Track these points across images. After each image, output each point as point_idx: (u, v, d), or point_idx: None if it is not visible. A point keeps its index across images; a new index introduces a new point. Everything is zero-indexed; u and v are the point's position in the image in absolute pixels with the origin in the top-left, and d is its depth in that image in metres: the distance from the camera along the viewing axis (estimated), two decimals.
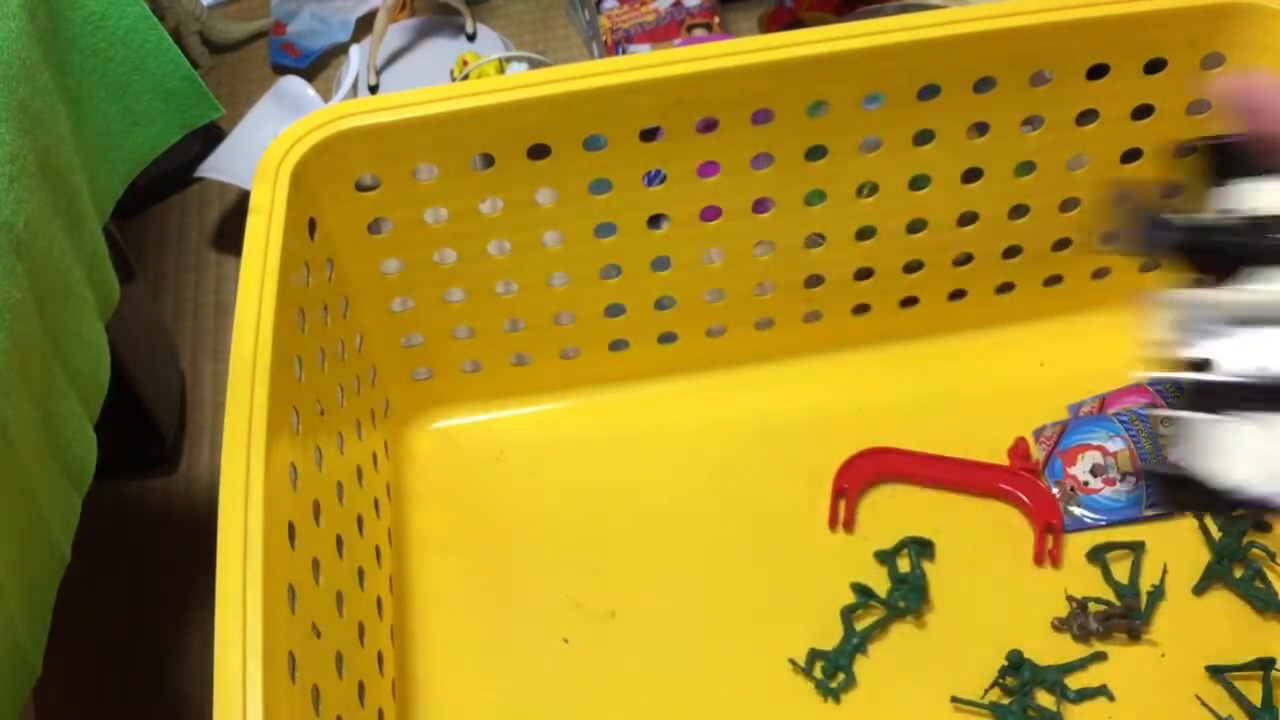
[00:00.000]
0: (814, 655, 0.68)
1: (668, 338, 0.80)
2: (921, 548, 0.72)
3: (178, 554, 0.83)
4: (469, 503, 0.76)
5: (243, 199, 1.05)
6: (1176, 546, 0.72)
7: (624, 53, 1.08)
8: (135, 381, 0.80)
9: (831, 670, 0.67)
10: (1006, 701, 0.66)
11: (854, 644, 0.68)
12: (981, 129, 0.71)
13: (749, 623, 0.70)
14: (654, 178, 0.71)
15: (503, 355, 0.78)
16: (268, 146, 0.63)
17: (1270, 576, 0.70)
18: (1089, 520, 0.73)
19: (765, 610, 0.70)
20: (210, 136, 1.05)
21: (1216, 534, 0.72)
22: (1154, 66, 0.69)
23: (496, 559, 0.73)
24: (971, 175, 0.74)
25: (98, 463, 0.60)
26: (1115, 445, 0.75)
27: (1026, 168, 0.74)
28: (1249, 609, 0.70)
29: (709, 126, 0.68)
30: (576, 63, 0.68)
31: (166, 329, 0.94)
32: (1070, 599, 0.69)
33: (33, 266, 0.52)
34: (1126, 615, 0.68)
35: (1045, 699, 0.66)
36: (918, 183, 0.73)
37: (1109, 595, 0.70)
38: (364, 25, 1.20)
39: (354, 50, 1.10)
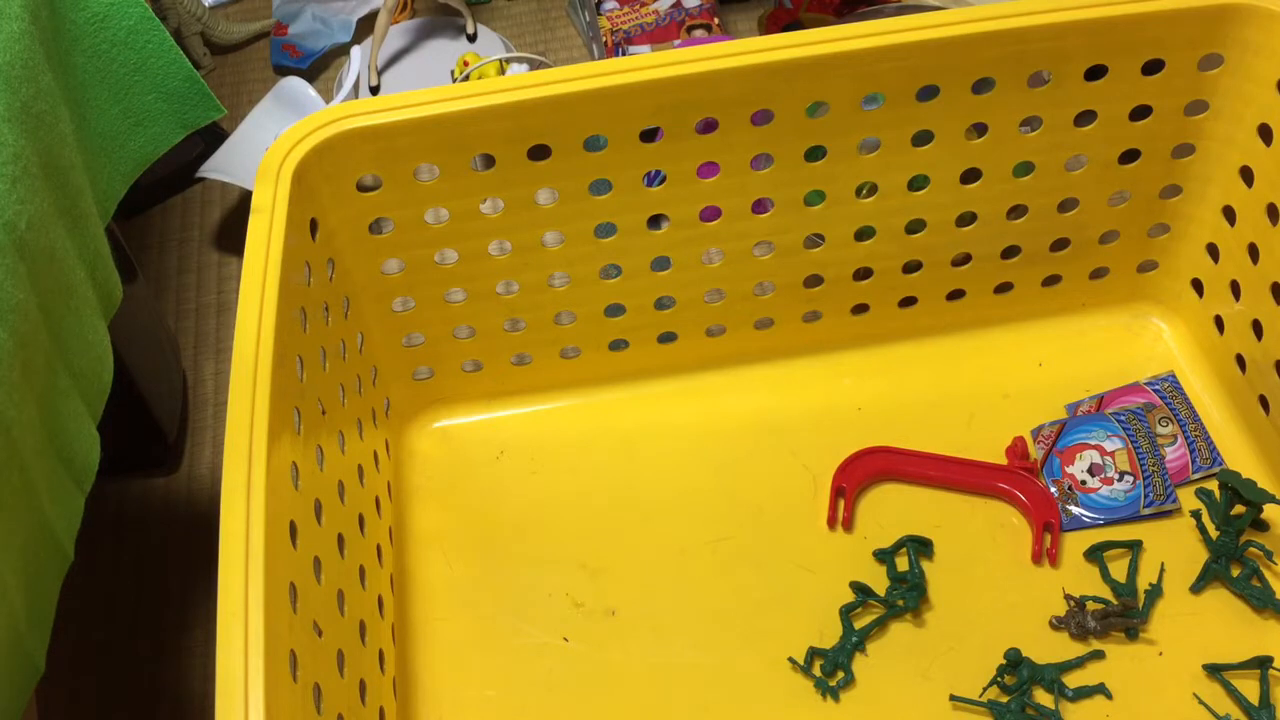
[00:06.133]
0: (813, 653, 0.68)
1: (668, 338, 0.80)
2: (920, 547, 0.72)
3: (180, 553, 0.84)
4: (469, 502, 0.76)
5: (244, 199, 1.06)
6: (1174, 545, 0.72)
7: (624, 54, 1.08)
8: (137, 381, 0.80)
9: (831, 669, 0.68)
10: (1005, 700, 0.66)
11: (853, 642, 0.68)
12: (980, 130, 0.71)
13: (749, 622, 0.70)
14: (654, 178, 0.71)
15: (503, 355, 0.79)
16: (269, 147, 0.63)
17: (1267, 575, 0.71)
18: (1087, 519, 0.73)
19: (765, 609, 0.71)
20: (212, 137, 1.05)
21: (1214, 533, 0.72)
22: (1152, 67, 0.70)
23: (497, 558, 0.74)
24: (970, 176, 0.74)
25: (100, 462, 0.60)
26: (1113, 444, 0.76)
27: (1025, 168, 0.74)
28: (1246, 608, 0.70)
29: (709, 127, 0.68)
30: (577, 64, 0.68)
31: (168, 328, 0.94)
32: (1068, 598, 0.70)
33: (35, 267, 0.52)
34: (1124, 614, 0.68)
35: (1043, 697, 0.67)
36: (916, 183, 0.74)
37: (1107, 594, 0.70)
38: (365, 26, 1.20)
39: (355, 51, 1.11)
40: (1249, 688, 0.66)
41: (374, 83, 1.12)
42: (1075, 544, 0.73)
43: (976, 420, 0.79)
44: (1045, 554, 0.72)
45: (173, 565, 0.83)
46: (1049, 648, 0.68)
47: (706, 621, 0.70)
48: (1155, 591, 0.70)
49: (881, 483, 0.76)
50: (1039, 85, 0.69)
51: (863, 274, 0.79)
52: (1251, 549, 0.71)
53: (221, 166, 1.00)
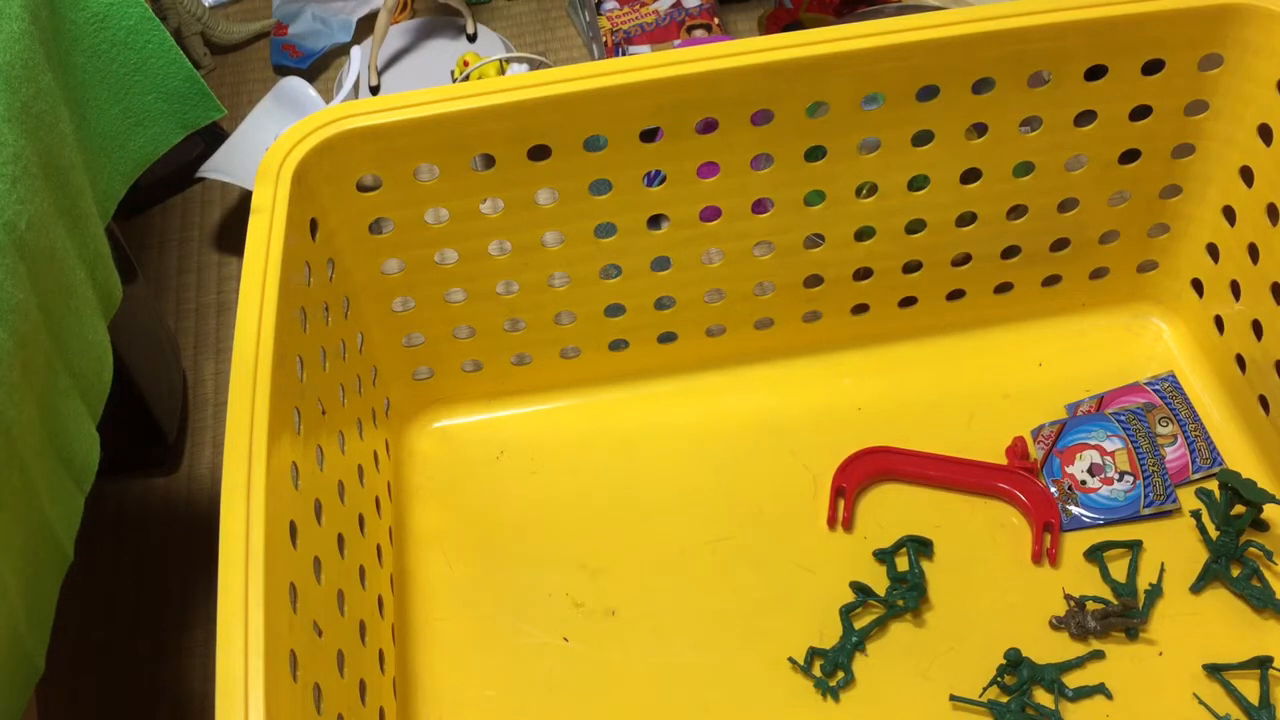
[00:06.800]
0: (813, 653, 0.68)
1: (668, 338, 0.80)
2: (920, 547, 0.72)
3: (179, 553, 0.84)
4: (469, 502, 0.76)
5: (244, 199, 1.06)
6: (1174, 545, 0.72)
7: (624, 54, 1.08)
8: (137, 381, 0.80)
9: (831, 669, 0.68)
10: (1005, 700, 0.66)
11: (853, 642, 0.68)
12: (980, 130, 0.71)
13: (749, 622, 0.70)
14: (654, 178, 0.71)
15: (503, 355, 0.79)
16: (269, 147, 0.63)
17: (1267, 575, 0.71)
18: (1087, 519, 0.73)
19: (765, 609, 0.71)
20: (212, 137, 1.05)
21: (1214, 533, 0.72)
22: (1152, 67, 0.70)
23: (497, 558, 0.74)
24: (970, 176, 0.74)
25: (100, 462, 0.60)
26: (1113, 444, 0.76)
27: (1025, 168, 0.74)
28: (1246, 608, 0.70)
29: (709, 127, 0.68)
30: (577, 64, 0.68)
31: (168, 328, 0.94)
32: (1068, 598, 0.70)
33: (35, 267, 0.52)
34: (1124, 614, 0.68)
35: (1043, 697, 0.67)
36: (916, 183, 0.74)
37: (1107, 594, 0.70)
38: (365, 26, 1.20)
39: (355, 51, 1.11)
40: (1249, 688, 0.66)
41: (374, 83, 1.12)
42: (1075, 544, 0.73)
43: (976, 420, 0.79)
44: (1045, 554, 0.72)
45: (173, 565, 0.83)
46: (1049, 648, 0.68)
47: (706, 621, 0.70)
48: (1155, 591, 0.70)
49: (881, 483, 0.76)
50: (1039, 85, 0.69)
51: (863, 274, 0.79)
52: (1251, 549, 0.71)
53: (221, 166, 1.00)
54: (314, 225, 0.65)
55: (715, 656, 0.69)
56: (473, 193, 0.69)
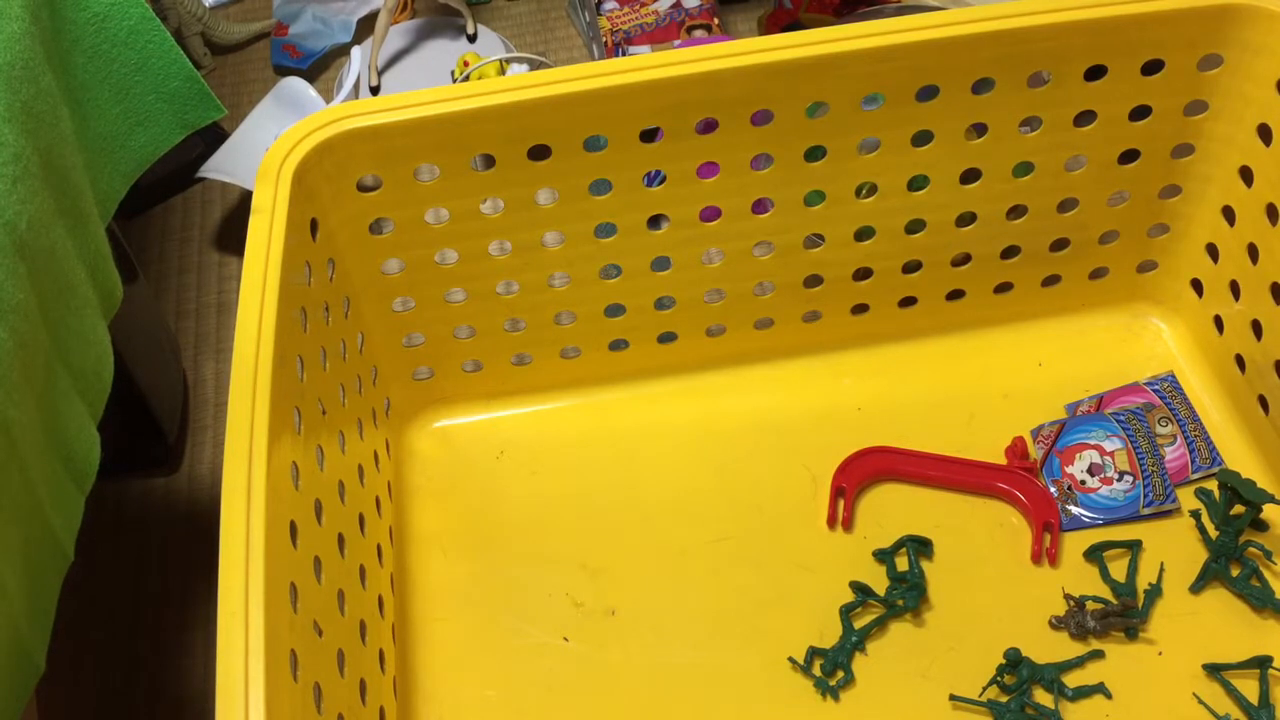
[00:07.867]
0: (813, 653, 0.68)
1: (668, 337, 0.80)
2: (920, 546, 0.72)
3: (180, 553, 0.84)
4: (470, 502, 0.76)
5: (244, 199, 1.06)
6: (1174, 545, 0.72)
7: (624, 54, 1.09)
8: (138, 381, 0.80)
9: (831, 668, 0.68)
10: (1004, 700, 0.66)
11: (853, 642, 0.68)
12: (980, 130, 0.71)
13: (748, 621, 0.70)
14: (654, 178, 0.71)
15: (503, 355, 0.79)
16: (269, 147, 0.63)
17: (1267, 575, 0.71)
18: (1086, 519, 0.74)
19: (765, 609, 0.71)
20: (212, 137, 1.05)
21: (1213, 533, 0.72)
22: (1152, 67, 0.70)
23: (497, 558, 0.74)
24: (970, 176, 0.74)
25: (100, 462, 0.60)
26: (1113, 444, 0.76)
27: (1024, 168, 0.74)
28: (1246, 607, 0.70)
29: (709, 127, 0.68)
30: (577, 64, 0.68)
31: (169, 328, 0.94)
32: (1068, 597, 0.70)
33: (36, 267, 0.52)
34: (1124, 614, 0.68)
35: (1043, 697, 0.67)
36: (916, 183, 0.74)
37: (1106, 594, 0.71)
38: (365, 26, 1.20)
39: (355, 51, 1.11)
40: (1249, 687, 0.66)
41: (374, 83, 1.12)
42: (1075, 544, 0.73)
43: (976, 420, 0.79)
44: (1045, 554, 0.72)
45: (173, 565, 0.83)
46: (1049, 647, 0.68)
47: (706, 621, 0.70)
48: (1155, 591, 0.70)
49: (881, 483, 0.76)
50: (1039, 85, 0.69)
51: (863, 274, 0.79)
52: (1251, 549, 0.71)
53: (221, 166, 1.00)
54: (314, 225, 0.65)
55: (715, 656, 0.69)
56: (473, 193, 0.69)
